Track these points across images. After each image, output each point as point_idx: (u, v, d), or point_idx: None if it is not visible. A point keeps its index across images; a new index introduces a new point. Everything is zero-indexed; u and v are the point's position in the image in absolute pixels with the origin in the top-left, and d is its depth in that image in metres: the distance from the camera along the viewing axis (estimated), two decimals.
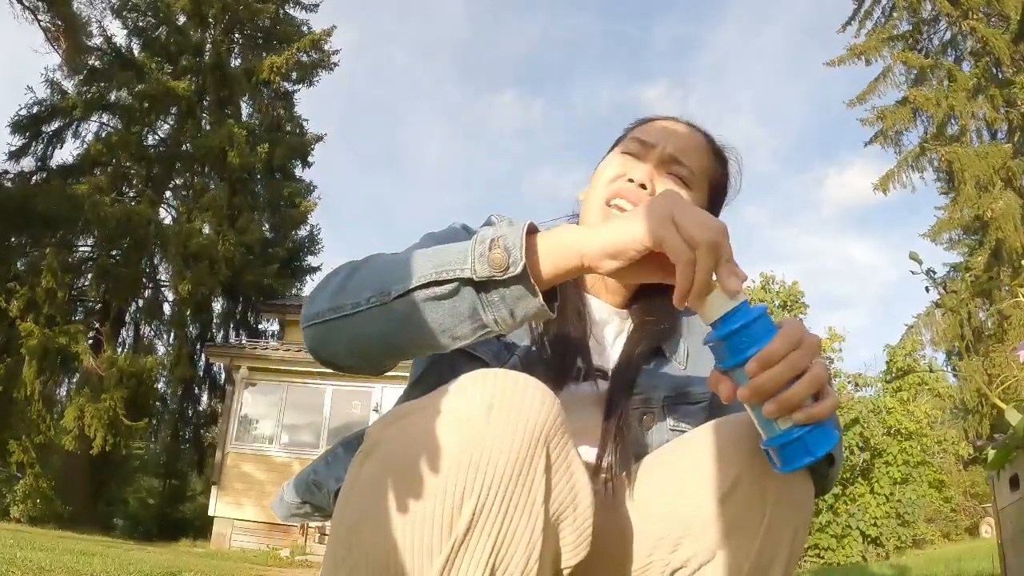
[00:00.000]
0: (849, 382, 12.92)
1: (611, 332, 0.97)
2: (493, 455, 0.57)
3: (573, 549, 0.66)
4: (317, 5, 19.20)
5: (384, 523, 0.59)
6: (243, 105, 18.21)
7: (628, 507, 0.81)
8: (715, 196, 1.02)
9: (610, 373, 0.91)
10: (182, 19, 17.38)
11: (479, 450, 0.57)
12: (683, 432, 0.87)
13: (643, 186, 0.92)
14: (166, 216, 16.82)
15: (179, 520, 17.75)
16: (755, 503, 0.70)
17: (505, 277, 0.63)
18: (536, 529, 0.59)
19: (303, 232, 19.27)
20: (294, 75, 18.34)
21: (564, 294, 0.91)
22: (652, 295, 0.98)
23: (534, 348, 0.88)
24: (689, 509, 0.72)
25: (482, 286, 0.64)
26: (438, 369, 0.89)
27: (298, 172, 18.86)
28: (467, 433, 0.58)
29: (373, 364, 0.75)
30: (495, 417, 0.58)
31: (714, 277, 0.63)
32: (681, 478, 0.74)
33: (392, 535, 0.58)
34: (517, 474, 0.58)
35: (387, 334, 0.69)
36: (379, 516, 0.59)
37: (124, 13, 16.80)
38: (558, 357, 0.88)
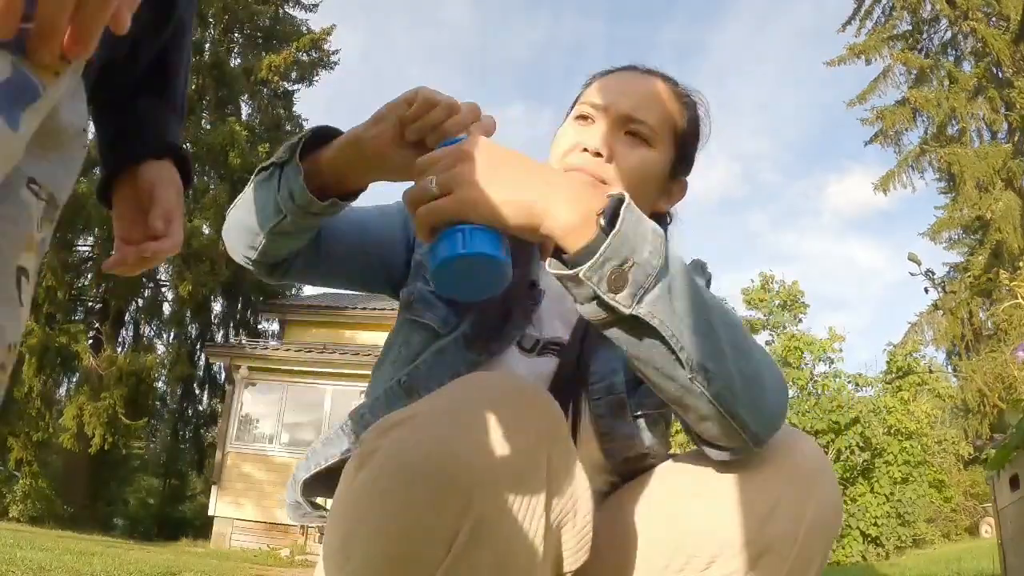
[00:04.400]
0: (849, 382, 12.92)
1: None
2: (494, 463, 0.56)
3: (574, 554, 0.65)
4: (317, 5, 19.21)
5: (382, 532, 0.57)
6: (243, 105, 18.23)
7: (630, 511, 0.79)
8: (683, 147, 0.95)
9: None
10: None
11: (480, 458, 0.56)
12: (646, 415, 0.85)
13: (599, 154, 0.87)
14: None
15: (179, 520, 17.75)
16: (791, 526, 0.69)
17: (288, 157, 0.77)
18: (538, 536, 0.58)
19: None
20: (293, 74, 18.35)
21: (515, 261, 0.90)
22: None
23: (480, 319, 0.87)
24: (728, 529, 0.71)
25: (282, 168, 0.78)
26: (394, 345, 0.92)
27: None
28: (467, 440, 0.56)
29: (242, 245, 0.87)
30: (495, 424, 0.57)
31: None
32: (717, 496, 0.73)
33: (391, 545, 0.57)
34: (519, 482, 0.56)
35: (241, 215, 0.85)
36: (377, 525, 0.58)
37: None
38: (500, 326, 0.87)
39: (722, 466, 0.74)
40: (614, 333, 0.65)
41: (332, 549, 0.64)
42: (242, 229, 0.86)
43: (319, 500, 0.93)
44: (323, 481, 0.89)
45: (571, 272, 0.62)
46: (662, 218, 0.99)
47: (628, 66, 0.97)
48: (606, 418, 0.85)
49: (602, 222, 0.63)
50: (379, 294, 1.03)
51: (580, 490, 0.64)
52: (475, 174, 0.64)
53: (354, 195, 0.82)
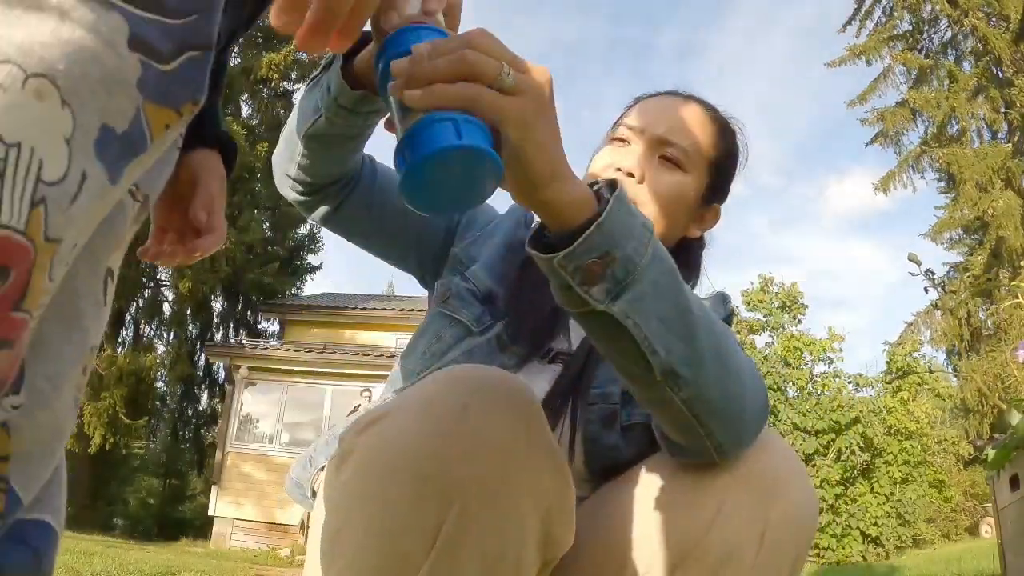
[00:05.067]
0: (849, 382, 12.93)
1: None
2: (472, 455, 0.55)
3: (559, 540, 0.65)
4: None
5: (366, 531, 0.57)
6: (243, 104, 18.24)
7: (600, 515, 0.79)
8: (719, 174, 0.95)
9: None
10: None
11: (458, 451, 0.55)
12: (635, 426, 0.85)
13: (631, 174, 0.88)
14: None
15: (179, 520, 17.78)
16: (751, 532, 0.68)
17: (330, 61, 0.76)
18: (522, 524, 0.58)
19: (303, 231, 19.29)
20: (293, 74, 18.34)
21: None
22: None
23: (525, 324, 0.87)
24: (683, 533, 0.70)
25: (328, 69, 0.77)
26: (424, 336, 0.92)
27: None
28: (443, 434, 0.56)
29: (285, 160, 0.89)
30: (471, 416, 0.56)
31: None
32: (675, 505, 0.72)
33: (376, 543, 0.57)
34: (498, 471, 0.56)
35: (285, 129, 0.87)
36: (361, 524, 0.58)
37: None
38: (532, 333, 0.87)
39: (683, 475, 0.73)
40: (586, 325, 0.63)
41: (320, 545, 0.64)
42: (284, 141, 0.88)
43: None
44: None
45: (544, 258, 0.58)
46: (694, 243, 1.00)
47: (669, 91, 0.98)
48: (595, 424, 0.85)
49: (597, 207, 0.59)
50: (407, 272, 1.03)
51: (562, 474, 0.63)
52: (550, 99, 0.57)
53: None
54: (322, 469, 0.88)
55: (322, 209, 0.92)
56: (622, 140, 0.92)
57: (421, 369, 0.88)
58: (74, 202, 0.35)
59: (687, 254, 0.98)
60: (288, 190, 0.92)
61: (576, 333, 0.91)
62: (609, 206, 0.58)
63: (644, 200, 0.88)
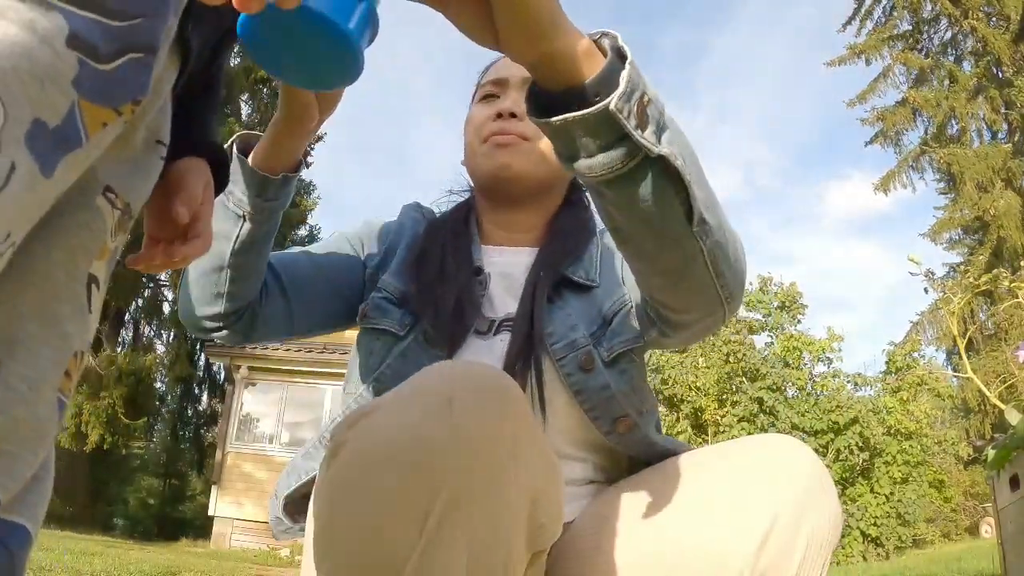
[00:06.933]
0: (848, 382, 12.93)
1: (520, 273, 0.93)
2: (459, 448, 0.55)
3: (548, 530, 0.65)
4: None
5: (356, 524, 0.57)
6: (242, 104, 18.25)
7: (619, 515, 0.79)
8: None
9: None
10: None
11: (445, 444, 0.55)
12: (616, 357, 0.86)
13: (513, 115, 0.92)
14: None
15: (179, 520, 17.79)
16: (792, 542, 0.69)
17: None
18: (510, 514, 0.58)
19: (303, 232, 19.29)
20: None
21: (456, 247, 0.93)
22: (562, 216, 0.98)
23: (436, 316, 0.88)
24: (730, 550, 0.70)
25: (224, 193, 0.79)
26: (358, 356, 0.93)
27: None
28: (431, 427, 0.56)
29: (208, 296, 0.87)
30: (457, 409, 0.56)
31: None
32: (714, 513, 0.72)
33: (365, 535, 0.57)
34: (486, 461, 0.56)
35: (198, 264, 0.85)
36: (350, 517, 0.58)
37: None
38: (449, 319, 0.87)
39: (719, 478, 0.74)
40: (622, 189, 0.58)
41: (313, 540, 0.64)
42: (202, 277, 0.86)
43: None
44: (307, 496, 0.89)
45: (597, 108, 0.52)
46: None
47: None
48: (575, 375, 0.85)
49: (608, 51, 0.54)
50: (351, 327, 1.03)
51: (550, 465, 0.64)
52: None
53: (294, 170, 0.83)
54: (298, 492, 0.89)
55: (254, 326, 0.93)
56: (492, 96, 0.97)
57: (362, 390, 0.89)
58: (2, 191, 0.35)
59: (581, 191, 1.01)
60: (215, 333, 0.91)
61: (503, 300, 0.91)
62: (628, 49, 0.54)
63: (534, 135, 0.91)
